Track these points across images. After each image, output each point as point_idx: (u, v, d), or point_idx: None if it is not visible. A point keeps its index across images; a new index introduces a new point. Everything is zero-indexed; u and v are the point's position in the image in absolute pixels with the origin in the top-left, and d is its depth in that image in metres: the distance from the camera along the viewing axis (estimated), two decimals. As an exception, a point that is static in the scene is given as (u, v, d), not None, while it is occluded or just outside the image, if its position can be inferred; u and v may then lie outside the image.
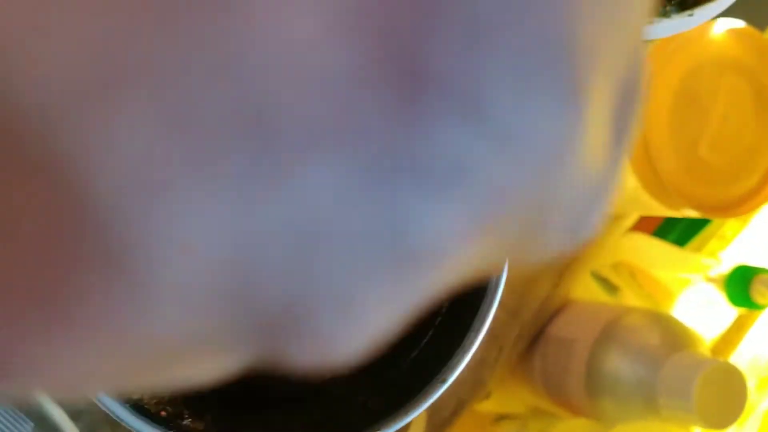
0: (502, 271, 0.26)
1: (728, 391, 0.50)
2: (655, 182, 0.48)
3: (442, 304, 0.28)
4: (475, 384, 0.64)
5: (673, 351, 0.55)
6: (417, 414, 0.24)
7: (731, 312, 0.64)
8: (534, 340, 0.66)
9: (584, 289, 0.71)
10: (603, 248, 0.69)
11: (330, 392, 0.27)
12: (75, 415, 0.49)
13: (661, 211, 0.51)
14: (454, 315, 0.28)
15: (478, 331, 0.26)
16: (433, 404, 0.61)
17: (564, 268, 0.67)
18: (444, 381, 0.25)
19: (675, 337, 0.57)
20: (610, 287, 0.72)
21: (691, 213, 0.49)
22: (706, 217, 0.49)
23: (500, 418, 0.67)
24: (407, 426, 0.59)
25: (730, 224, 0.62)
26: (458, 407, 0.63)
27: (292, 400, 0.26)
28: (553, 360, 0.63)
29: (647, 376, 0.55)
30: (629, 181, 0.50)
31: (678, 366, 0.53)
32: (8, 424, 0.45)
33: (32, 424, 0.47)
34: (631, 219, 0.65)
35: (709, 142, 0.47)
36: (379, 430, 0.23)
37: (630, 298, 0.69)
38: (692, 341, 0.57)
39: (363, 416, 0.24)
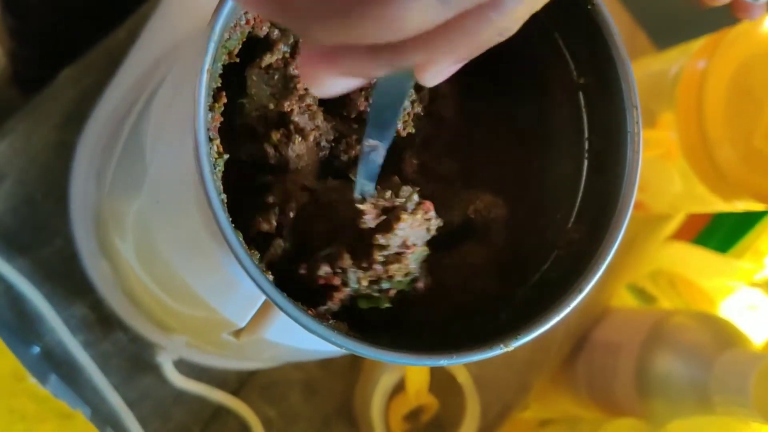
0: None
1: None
2: (712, 172, 0.48)
3: (568, 223, 0.29)
4: (520, 388, 0.63)
5: (724, 349, 0.55)
6: (554, 323, 0.24)
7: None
8: (576, 346, 0.66)
9: (619, 301, 0.71)
10: (641, 257, 0.69)
11: (462, 310, 0.27)
12: (132, 402, 0.48)
13: (716, 205, 0.52)
14: (582, 233, 0.28)
15: (613, 242, 0.26)
16: (481, 406, 0.60)
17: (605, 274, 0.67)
18: (581, 291, 0.25)
19: (724, 336, 0.57)
20: (647, 297, 0.72)
21: (748, 204, 0.50)
22: (764, 206, 0.49)
23: (544, 423, 0.66)
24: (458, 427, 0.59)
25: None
26: (503, 412, 0.63)
27: (424, 322, 0.27)
28: (599, 364, 0.63)
29: (699, 373, 0.55)
30: (683, 175, 0.51)
31: (732, 362, 0.53)
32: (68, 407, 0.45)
33: (90, 409, 0.47)
34: (674, 224, 0.66)
35: (764, 132, 0.48)
36: (516, 337, 0.23)
37: (668, 307, 0.69)
38: (741, 339, 0.57)
39: (496, 327, 0.24)
